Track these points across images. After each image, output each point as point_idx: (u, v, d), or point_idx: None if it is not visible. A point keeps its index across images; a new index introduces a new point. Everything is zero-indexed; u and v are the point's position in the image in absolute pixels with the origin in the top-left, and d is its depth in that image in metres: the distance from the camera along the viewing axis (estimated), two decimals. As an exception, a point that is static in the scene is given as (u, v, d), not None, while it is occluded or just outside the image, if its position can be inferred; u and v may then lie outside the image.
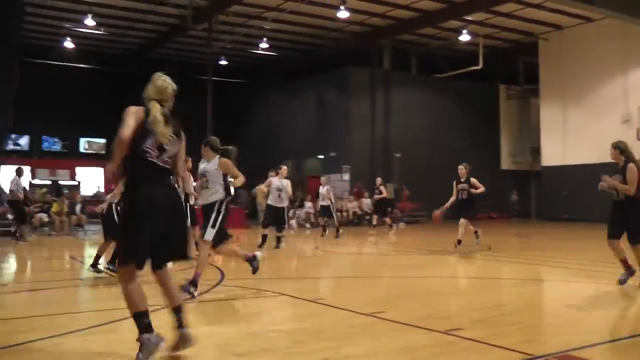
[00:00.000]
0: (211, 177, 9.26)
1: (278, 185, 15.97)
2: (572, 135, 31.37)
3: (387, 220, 24.23)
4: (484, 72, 33.60)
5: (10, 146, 33.00)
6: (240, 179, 9.26)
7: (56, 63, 34.89)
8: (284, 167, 16.18)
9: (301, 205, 29.15)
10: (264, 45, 33.08)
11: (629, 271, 9.06)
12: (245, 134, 39.38)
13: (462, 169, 14.86)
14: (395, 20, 30.42)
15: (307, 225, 28.28)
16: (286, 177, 16.36)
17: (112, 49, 35.85)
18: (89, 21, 28.59)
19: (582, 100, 31.20)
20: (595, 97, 30.64)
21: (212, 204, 9.03)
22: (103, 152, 37.12)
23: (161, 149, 5.50)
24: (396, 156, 32.33)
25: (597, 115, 30.10)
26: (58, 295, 9.55)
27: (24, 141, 35.17)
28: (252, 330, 6.63)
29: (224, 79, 36.78)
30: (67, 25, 31.10)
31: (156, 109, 5.65)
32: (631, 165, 8.73)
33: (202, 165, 9.47)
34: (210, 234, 8.78)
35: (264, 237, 16.45)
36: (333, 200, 21.82)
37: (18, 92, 28.20)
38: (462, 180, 14.76)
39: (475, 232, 15.38)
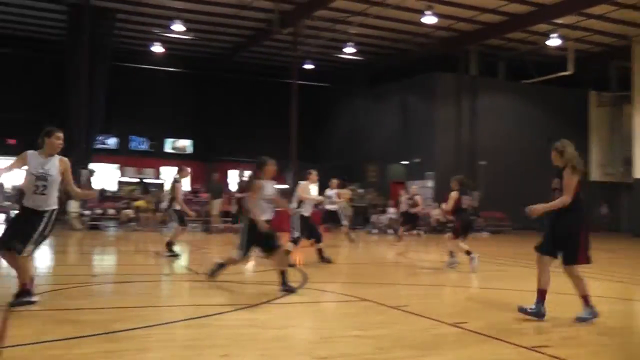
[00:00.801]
0: (53, 181, 7.77)
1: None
2: (667, 146, 30.15)
3: (401, 230, 20.62)
4: (574, 78, 32.74)
5: (99, 145, 34.08)
6: (79, 193, 8.22)
7: (145, 67, 35.85)
8: (314, 172, 14.54)
9: (383, 211, 29.03)
10: (349, 49, 33.14)
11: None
12: (329, 137, 39.60)
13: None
14: (482, 25, 30.03)
15: (390, 231, 28.17)
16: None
17: (199, 52, 36.60)
18: (178, 26, 29.34)
19: (679, 108, 30.03)
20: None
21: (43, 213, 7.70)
22: (188, 152, 38.02)
23: None
24: (481, 164, 31.88)
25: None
26: (144, 288, 9.84)
27: (111, 140, 36.33)
28: (334, 335, 6.63)
29: (309, 83, 37.04)
30: (156, 31, 31.99)
31: None
32: (567, 169, 7.64)
33: (41, 164, 7.75)
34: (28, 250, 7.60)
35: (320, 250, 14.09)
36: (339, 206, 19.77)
37: (109, 95, 29.29)
38: None
39: (451, 252, 14.03)
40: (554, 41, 29.88)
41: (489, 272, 12.67)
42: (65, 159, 7.87)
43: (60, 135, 7.83)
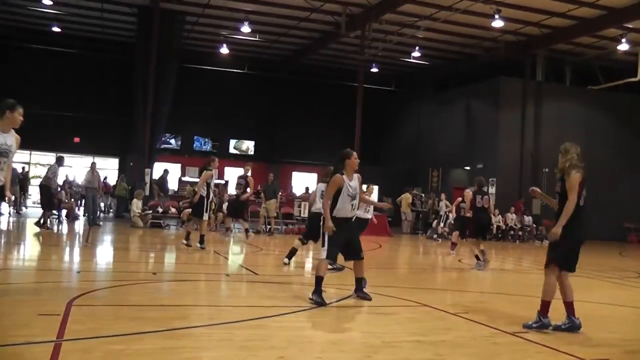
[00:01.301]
0: (10, 158, 7.57)
1: None
2: None
3: (455, 236, 18.88)
4: (642, 85, 31.92)
5: (163, 145, 34.57)
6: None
7: (211, 68, 36.27)
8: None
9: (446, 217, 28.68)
10: (415, 53, 32.91)
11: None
12: (393, 141, 39.48)
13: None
14: (550, 29, 29.46)
15: (450, 236, 27.84)
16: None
17: (266, 54, 36.85)
18: (245, 28, 29.55)
19: None
20: None
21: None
22: (251, 153, 38.30)
23: None
24: (544, 171, 31.25)
25: None
26: (204, 288, 9.93)
27: (174, 140, 36.88)
28: (393, 339, 6.56)
29: (374, 86, 36.94)
30: (223, 33, 32.31)
31: None
32: (572, 172, 7.49)
33: (3, 138, 7.49)
34: None
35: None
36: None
37: (174, 95, 29.78)
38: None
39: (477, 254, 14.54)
40: (623, 46, 29.06)
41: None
42: (18, 136, 7.60)
43: (22, 111, 7.50)
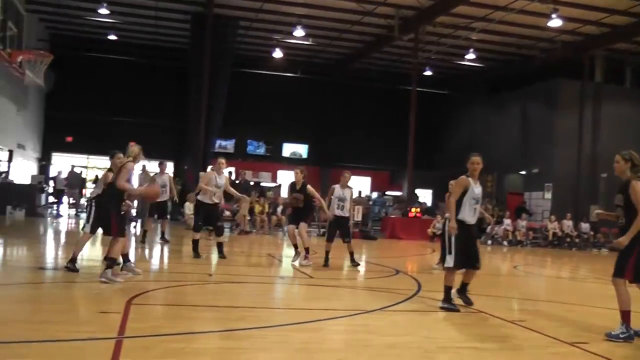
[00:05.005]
0: None
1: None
2: None
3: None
4: None
5: (217, 148, 34.80)
6: None
7: (264, 72, 36.49)
8: (224, 161, 14.05)
9: (499, 222, 28.23)
10: (470, 56, 32.51)
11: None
12: (446, 145, 39.09)
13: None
14: (610, 28, 28.56)
15: (505, 242, 27.48)
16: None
17: (319, 58, 36.94)
18: (298, 32, 29.62)
19: None
20: None
21: None
22: (305, 157, 38.39)
23: None
24: (602, 176, 30.57)
25: None
26: (259, 290, 9.95)
27: (229, 144, 37.16)
28: (450, 345, 6.50)
29: (428, 90, 36.68)
30: (276, 37, 32.46)
31: None
32: (634, 183, 6.93)
33: None
34: None
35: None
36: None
37: (228, 99, 30.07)
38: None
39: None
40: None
41: (608, 291, 12.11)
42: None
43: None
